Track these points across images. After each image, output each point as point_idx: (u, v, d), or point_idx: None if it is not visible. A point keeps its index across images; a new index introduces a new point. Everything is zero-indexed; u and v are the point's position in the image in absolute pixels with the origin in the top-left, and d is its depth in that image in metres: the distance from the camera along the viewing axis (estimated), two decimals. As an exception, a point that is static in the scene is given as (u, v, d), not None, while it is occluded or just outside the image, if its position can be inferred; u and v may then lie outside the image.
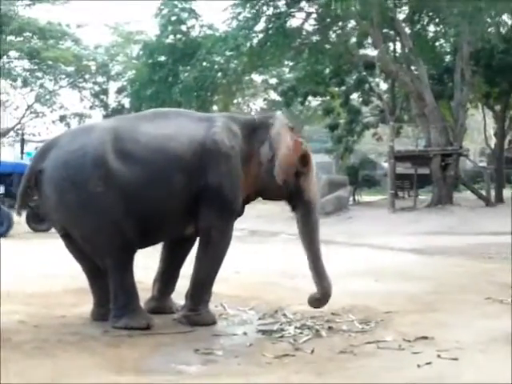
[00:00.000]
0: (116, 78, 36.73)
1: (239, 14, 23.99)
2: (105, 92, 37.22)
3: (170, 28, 29.17)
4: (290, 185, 5.88)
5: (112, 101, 37.17)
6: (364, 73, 28.07)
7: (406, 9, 26.01)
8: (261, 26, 24.20)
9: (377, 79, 29.60)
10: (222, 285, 6.43)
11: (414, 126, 28.83)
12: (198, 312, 5.69)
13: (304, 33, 25.85)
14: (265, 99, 40.55)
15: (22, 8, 32.63)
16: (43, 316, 5.92)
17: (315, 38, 26.05)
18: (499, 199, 25.16)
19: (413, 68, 24.25)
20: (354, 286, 7.37)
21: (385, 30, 24.92)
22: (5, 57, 33.57)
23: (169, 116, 5.93)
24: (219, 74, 26.65)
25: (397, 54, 26.08)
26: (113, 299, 5.51)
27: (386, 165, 31.09)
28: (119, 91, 36.35)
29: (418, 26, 26.03)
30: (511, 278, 7.95)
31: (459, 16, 21.19)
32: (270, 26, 23.82)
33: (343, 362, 4.60)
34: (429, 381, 4.12)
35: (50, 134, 32.55)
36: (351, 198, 26.82)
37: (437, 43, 27.52)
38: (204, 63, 26.21)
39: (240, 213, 5.86)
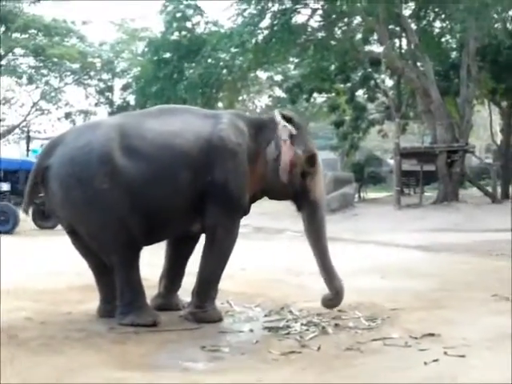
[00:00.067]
0: (121, 75, 36.74)
1: (244, 10, 23.95)
2: (110, 89, 37.24)
3: (175, 25, 29.15)
4: (295, 185, 5.88)
5: (117, 98, 37.25)
6: (370, 69, 28.00)
7: (411, 5, 25.94)
8: (266, 22, 24.18)
9: (382, 76, 29.53)
10: (228, 282, 6.43)
11: (419, 123, 28.75)
12: (204, 309, 5.69)
13: (309, 29, 25.81)
14: (270, 96, 40.52)
15: (27, 5, 32.70)
16: (49, 313, 5.93)
17: (321, 35, 26.02)
18: (505, 196, 25.06)
19: (419, 64, 24.19)
20: (360, 283, 7.35)
21: (391, 26, 24.86)
22: (10, 54, 33.65)
23: (175, 113, 5.92)
24: (224, 71, 26.64)
25: (403, 51, 25.99)
26: (119, 296, 5.52)
27: (391, 162, 31.04)
28: (124, 88, 36.36)
29: (424, 22, 25.94)
30: (511, 274, 7.96)
31: (465, 12, 21.12)
32: (275, 22, 23.78)
33: (349, 359, 4.59)
34: (436, 378, 4.11)
35: (55, 131, 32.62)
36: (357, 195, 26.77)
37: (443, 39, 27.42)
38: (209, 60, 26.22)
39: (246, 211, 5.86)
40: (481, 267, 9.30)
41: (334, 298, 5.85)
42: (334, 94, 31.07)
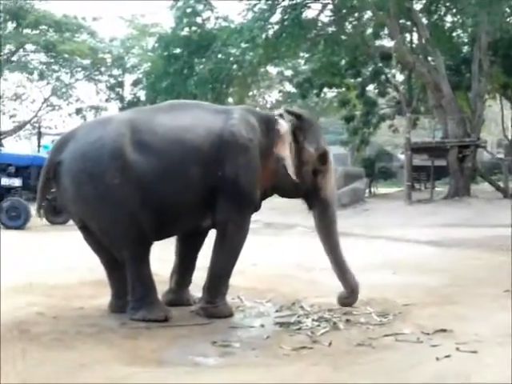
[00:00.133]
0: (131, 70, 36.76)
1: (255, 5, 23.92)
2: (120, 85, 37.26)
3: (185, 20, 29.10)
4: (307, 183, 5.87)
5: (127, 93, 37.26)
6: (380, 64, 27.92)
7: (423, -1, 25.87)
8: (276, 17, 24.13)
9: (393, 70, 29.40)
10: (239, 277, 6.43)
11: (430, 118, 28.60)
12: (215, 304, 5.70)
13: (320, 24, 25.75)
14: (280, 91, 40.42)
15: (38, 1, 32.78)
16: (61, 308, 5.95)
17: (331, 29, 25.96)
18: (517, 191, 24.93)
19: (430, 59, 24.09)
20: (371, 278, 7.33)
21: (401, 21, 24.74)
22: (21, 50, 33.74)
23: (186, 108, 5.92)
24: (234, 66, 26.57)
25: (414, 45, 25.90)
26: (130, 291, 5.53)
27: (402, 157, 30.92)
28: (135, 84, 36.38)
29: (435, 17, 25.82)
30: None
31: (477, 6, 20.98)
32: (285, 17, 23.73)
33: (361, 354, 4.58)
34: (448, 374, 4.10)
35: (66, 126, 32.66)
36: (367, 190, 26.72)
37: (454, 33, 27.30)
38: (219, 55, 26.16)
39: (257, 207, 5.85)
40: (492, 262, 9.27)
41: (349, 296, 5.89)
42: (344, 89, 30.99)
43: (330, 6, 25.30)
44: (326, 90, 31.80)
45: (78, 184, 5.39)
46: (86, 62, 34.76)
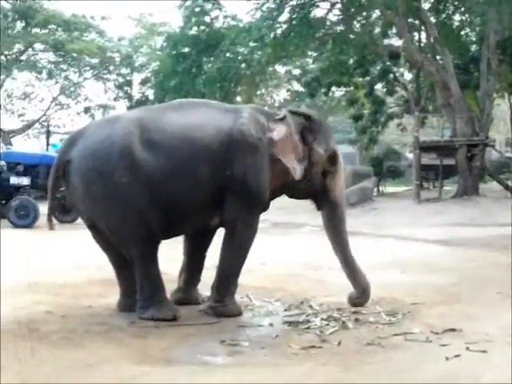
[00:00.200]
0: (140, 69, 36.79)
1: (263, 4, 23.85)
2: (129, 83, 37.32)
3: (193, 19, 29.09)
4: (316, 184, 5.87)
5: (136, 92, 37.31)
6: (388, 63, 27.83)
7: (431, -3, 25.79)
8: (285, 16, 24.06)
9: (401, 69, 29.34)
10: (248, 276, 6.43)
11: (439, 117, 28.47)
12: (223, 303, 5.70)
13: (328, 23, 25.67)
14: (288, 90, 40.38)
15: (46, 1, 32.86)
16: (70, 306, 5.96)
17: (339, 28, 25.89)
18: (526, 190, 24.85)
19: (438, 58, 24.00)
20: (379, 277, 7.30)
21: (410, 20, 24.67)
22: (30, 49, 33.84)
23: (195, 106, 5.91)
24: (243, 65, 26.54)
25: (422, 44, 25.81)
26: (139, 290, 5.53)
27: (410, 155, 30.85)
28: (143, 82, 36.40)
29: (444, 15, 25.72)
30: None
31: (485, 5, 20.92)
32: (293, 16, 23.67)
33: (370, 354, 4.58)
34: (458, 374, 4.09)
35: (74, 125, 32.76)
36: (375, 189, 26.66)
37: (462, 32, 27.19)
38: (228, 54, 26.13)
39: (266, 207, 5.85)
40: (501, 262, 9.23)
41: (360, 296, 5.89)
42: (352, 88, 30.90)
43: (339, 5, 25.23)
44: (334, 88, 31.73)
45: (87, 182, 5.39)
46: (95, 61, 34.85)
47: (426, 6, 25.04)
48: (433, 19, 24.55)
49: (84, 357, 4.41)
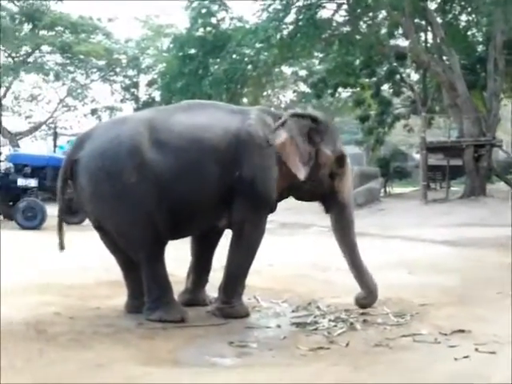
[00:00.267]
0: (146, 71, 36.83)
1: (269, 5, 23.86)
2: (135, 85, 37.36)
3: (200, 21, 29.13)
4: (324, 186, 5.87)
5: (143, 94, 37.34)
6: (395, 63, 27.82)
7: (437, -2, 25.75)
8: (291, 17, 24.06)
9: (408, 70, 29.31)
10: (255, 277, 6.42)
11: (445, 117, 28.47)
12: (231, 304, 5.70)
13: (334, 24, 25.67)
14: (295, 91, 40.38)
15: (54, 3, 32.93)
16: (78, 308, 5.96)
17: (346, 29, 25.87)
18: (533, 190, 24.77)
19: (445, 58, 23.96)
20: (387, 278, 7.29)
21: (416, 20, 24.64)
22: (37, 51, 33.92)
23: (203, 108, 5.92)
24: (249, 67, 26.56)
25: (428, 44, 25.76)
26: (146, 292, 5.53)
27: (417, 156, 30.80)
28: (150, 84, 36.45)
29: (450, 16, 25.67)
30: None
31: (492, 5, 20.88)
32: (300, 17, 23.66)
33: (379, 355, 4.57)
34: (467, 375, 4.07)
35: (81, 127, 32.81)
36: (382, 190, 26.63)
37: (469, 32, 27.13)
38: (234, 55, 26.16)
39: (273, 208, 5.85)
40: (508, 262, 9.17)
41: (367, 297, 5.86)
42: (359, 89, 30.89)
43: (345, 6, 25.21)
44: (340, 89, 31.73)
45: (95, 182, 5.39)
46: (102, 62, 34.90)
47: (432, 6, 25.02)
48: (439, 19, 24.52)
49: (92, 358, 4.41)
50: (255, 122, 5.64)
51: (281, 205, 6.09)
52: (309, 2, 23.87)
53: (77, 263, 8.56)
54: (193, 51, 29.24)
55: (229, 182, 5.48)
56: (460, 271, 8.38)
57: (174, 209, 5.40)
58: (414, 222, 17.22)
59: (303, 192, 5.96)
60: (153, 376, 4.08)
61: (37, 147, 31.68)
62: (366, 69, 28.44)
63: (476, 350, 4.54)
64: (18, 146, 25.64)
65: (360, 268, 5.90)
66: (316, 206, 6.34)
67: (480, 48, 27.33)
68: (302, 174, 5.67)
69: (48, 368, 4.19)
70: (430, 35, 25.79)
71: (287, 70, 35.09)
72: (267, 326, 5.51)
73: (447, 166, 25.71)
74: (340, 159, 5.92)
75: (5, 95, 34.07)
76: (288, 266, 8.58)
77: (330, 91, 30.60)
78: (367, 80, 29.87)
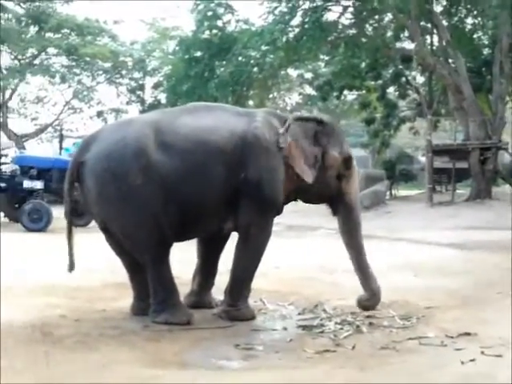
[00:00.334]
0: (152, 73, 36.81)
1: (275, 8, 23.86)
2: (141, 87, 37.35)
3: (205, 23, 29.13)
4: (331, 188, 5.86)
5: (148, 96, 37.31)
6: (401, 66, 27.80)
7: (443, 1, 25.69)
8: (297, 20, 24.04)
9: (414, 72, 29.26)
10: (261, 280, 6.41)
11: (451, 120, 28.42)
12: (237, 307, 5.69)
13: (340, 26, 25.64)
14: (300, 94, 40.35)
15: (60, 5, 32.98)
16: (84, 310, 5.97)
17: (352, 32, 25.85)
18: (539, 193, 24.71)
19: (450, 61, 23.92)
20: (393, 280, 7.31)
21: (422, 23, 24.60)
22: (43, 53, 33.95)
23: (209, 110, 5.92)
24: (255, 69, 26.53)
25: (434, 47, 25.73)
26: (152, 294, 5.53)
27: (423, 159, 30.76)
28: (155, 87, 36.44)
29: (456, 19, 25.63)
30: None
31: (498, 8, 20.86)
32: (306, 20, 23.64)
33: (385, 358, 4.56)
34: (473, 378, 4.06)
35: (87, 129, 32.81)
36: (388, 193, 26.58)
37: (475, 35, 27.09)
38: (240, 58, 26.14)
39: (279, 210, 5.84)
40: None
41: (370, 299, 5.83)
42: (364, 92, 30.88)
43: (351, 9, 25.20)
44: (346, 92, 31.71)
45: (101, 184, 5.40)
46: (107, 65, 34.88)
47: (438, 9, 24.99)
48: (445, 22, 24.48)
49: (98, 360, 4.42)
50: (261, 125, 5.64)
51: (287, 207, 6.09)
52: (315, 4, 23.87)
53: (82, 265, 8.53)
54: (199, 54, 29.25)
55: (235, 184, 5.48)
56: (466, 274, 8.36)
57: (179, 211, 5.40)
58: (419, 225, 17.18)
59: (310, 194, 5.96)
60: (159, 378, 4.08)
61: (43, 149, 31.73)
62: (372, 71, 28.42)
63: (482, 353, 4.53)
64: (23, 148, 25.72)
65: (365, 270, 5.89)
66: (323, 209, 6.34)
67: (486, 51, 27.29)
68: (308, 176, 5.67)
69: (53, 370, 4.19)
70: (435, 38, 25.76)
71: (293, 72, 35.07)
72: (273, 328, 5.52)
73: (453, 169, 25.65)
74: (347, 161, 5.92)
75: (11, 97, 34.11)
76: (294, 269, 8.57)
77: (335, 94, 30.58)
78: (373, 83, 29.85)
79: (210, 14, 29.03)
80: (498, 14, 21.23)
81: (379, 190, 23.42)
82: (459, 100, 23.08)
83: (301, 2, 23.90)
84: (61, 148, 25.15)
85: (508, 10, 20.50)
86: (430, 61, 23.53)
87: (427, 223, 17.68)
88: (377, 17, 25.62)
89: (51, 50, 33.94)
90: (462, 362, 4.31)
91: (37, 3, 31.79)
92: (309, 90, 38.14)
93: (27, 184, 15.34)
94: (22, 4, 32.14)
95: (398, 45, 27.33)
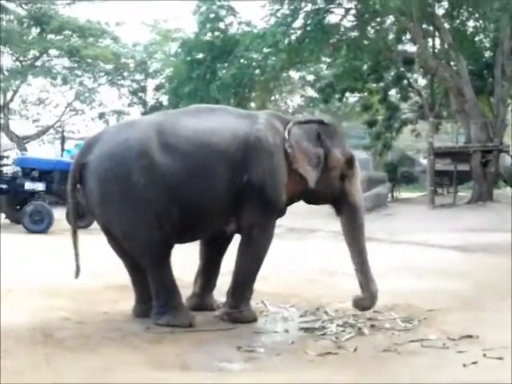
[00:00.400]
0: (154, 75, 36.85)
1: (277, 10, 23.86)
2: (143, 89, 37.38)
3: (208, 25, 29.15)
4: (334, 188, 5.87)
5: (150, 98, 37.34)
6: (403, 69, 27.82)
7: (445, 4, 25.70)
8: (299, 22, 24.03)
9: (416, 75, 29.28)
10: (263, 282, 6.42)
11: (453, 122, 28.43)
12: (239, 309, 5.69)
13: (342, 29, 25.62)
14: (302, 96, 40.34)
15: (62, 7, 33.00)
16: (86, 312, 5.97)
17: (353, 34, 25.84)
18: (540, 196, 24.70)
19: (452, 63, 23.94)
20: (395, 283, 7.32)
21: (424, 26, 24.61)
22: (45, 55, 33.97)
23: (212, 112, 5.92)
24: (257, 71, 26.54)
25: (436, 50, 25.75)
26: (154, 296, 5.53)
27: (424, 161, 30.77)
28: (157, 88, 36.47)
29: (458, 21, 25.63)
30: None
31: (500, 11, 20.86)
32: (308, 22, 23.64)
33: (387, 360, 4.57)
34: (475, 380, 4.06)
35: (89, 131, 32.83)
36: (390, 195, 26.59)
37: (477, 38, 27.08)
38: (242, 60, 26.14)
39: (282, 212, 5.84)
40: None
41: (367, 299, 5.81)
42: (366, 94, 30.91)
43: (353, 11, 25.19)
44: (348, 94, 31.76)
45: (104, 185, 5.39)
46: (109, 66, 34.92)
47: (440, 11, 25.00)
48: (447, 25, 24.49)
49: (100, 362, 4.42)
50: (264, 127, 5.65)
51: (288, 209, 6.09)
52: (317, 7, 23.85)
53: (84, 267, 8.55)
54: (201, 56, 29.25)
55: (237, 186, 5.48)
56: (468, 276, 8.36)
57: (181, 213, 5.40)
58: (421, 227, 17.15)
59: (314, 196, 5.96)
60: (161, 380, 4.09)
61: (44, 151, 31.75)
62: (374, 74, 28.44)
63: (484, 355, 4.53)
64: (25, 149, 25.68)
65: (366, 270, 5.87)
66: (324, 210, 6.34)
67: (487, 54, 27.30)
68: (312, 177, 5.68)
69: (55, 372, 4.19)
70: (437, 41, 25.77)
71: (295, 74, 35.07)
72: (275, 330, 5.53)
73: (454, 172, 25.65)
74: (349, 161, 5.93)
75: (12, 99, 34.15)
76: (296, 271, 8.58)
77: (337, 96, 30.62)
78: (375, 85, 29.88)
79: (212, 16, 29.05)
80: (499, 16, 21.23)
81: (381, 193, 23.42)
82: (461, 102, 23.10)
83: (303, 5, 23.90)
84: (62, 150, 25.19)
85: (509, 12, 20.50)
86: (431, 63, 23.53)
87: (429, 225, 17.65)
88: (379, 19, 25.60)
89: (53, 52, 33.95)
90: (464, 365, 4.31)
91: (39, 5, 31.82)
92: (311, 92, 38.16)
93: (29, 186, 15.36)
94: (23, 5, 32.18)
95: (400, 47, 27.35)
